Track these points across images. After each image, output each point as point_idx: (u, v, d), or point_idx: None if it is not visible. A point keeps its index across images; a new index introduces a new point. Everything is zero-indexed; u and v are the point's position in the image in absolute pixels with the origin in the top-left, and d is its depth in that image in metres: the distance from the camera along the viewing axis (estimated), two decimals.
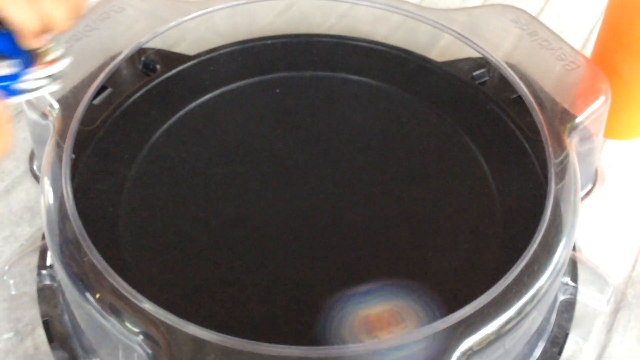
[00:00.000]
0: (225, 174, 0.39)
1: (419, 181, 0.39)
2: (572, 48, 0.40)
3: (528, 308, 0.31)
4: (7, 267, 0.35)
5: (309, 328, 0.31)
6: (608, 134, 0.45)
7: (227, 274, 0.34)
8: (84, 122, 0.37)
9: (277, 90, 0.43)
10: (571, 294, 0.37)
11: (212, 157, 0.39)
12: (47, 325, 0.34)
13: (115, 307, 0.28)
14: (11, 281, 0.35)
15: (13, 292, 0.35)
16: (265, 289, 0.34)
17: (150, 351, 0.27)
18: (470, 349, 0.28)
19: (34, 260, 0.36)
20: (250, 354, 0.26)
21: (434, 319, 0.29)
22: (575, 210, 0.34)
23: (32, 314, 0.35)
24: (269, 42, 0.46)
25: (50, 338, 0.33)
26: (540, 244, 0.32)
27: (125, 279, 0.32)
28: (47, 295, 0.35)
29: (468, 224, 0.37)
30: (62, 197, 0.31)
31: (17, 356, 0.34)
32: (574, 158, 0.36)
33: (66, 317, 0.34)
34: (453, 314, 0.28)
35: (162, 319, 0.27)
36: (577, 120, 0.37)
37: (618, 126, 0.45)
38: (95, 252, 0.29)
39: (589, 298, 0.37)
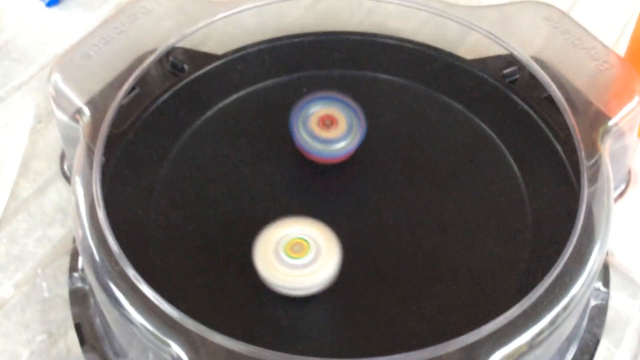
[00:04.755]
0: (254, 175, 0.39)
1: (448, 183, 0.39)
2: (605, 46, 0.39)
3: (560, 319, 0.30)
4: (39, 270, 0.36)
5: (332, 334, 0.31)
6: None
7: (256, 277, 0.34)
8: (113, 124, 0.38)
9: (305, 90, 0.43)
10: (603, 300, 0.36)
11: (240, 158, 0.40)
12: (79, 328, 0.34)
13: (145, 315, 0.28)
14: (44, 284, 0.36)
15: (46, 295, 0.36)
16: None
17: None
18: (506, 357, 0.28)
19: (67, 261, 0.37)
20: None
21: (462, 330, 0.28)
22: (609, 216, 0.34)
23: (65, 316, 0.35)
24: (296, 40, 0.45)
25: (82, 340, 0.34)
26: (572, 252, 0.31)
27: (155, 283, 0.32)
28: (79, 298, 0.35)
29: (498, 228, 0.37)
30: (92, 203, 0.31)
31: (51, 358, 0.34)
32: (607, 161, 0.35)
33: (98, 320, 0.34)
34: (482, 327, 0.28)
35: (192, 328, 0.27)
36: (611, 122, 0.36)
37: None
38: (125, 260, 0.29)
39: (621, 303, 0.36)
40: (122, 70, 0.37)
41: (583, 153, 0.34)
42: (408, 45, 0.45)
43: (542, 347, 0.30)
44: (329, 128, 0.37)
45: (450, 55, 0.45)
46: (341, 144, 0.37)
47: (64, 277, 0.36)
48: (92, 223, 0.31)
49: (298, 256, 0.32)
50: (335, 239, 0.33)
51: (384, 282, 0.34)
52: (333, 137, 0.37)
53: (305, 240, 0.33)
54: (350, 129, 0.38)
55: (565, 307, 0.30)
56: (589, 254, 0.32)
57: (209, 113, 0.41)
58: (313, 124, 0.38)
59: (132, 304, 0.28)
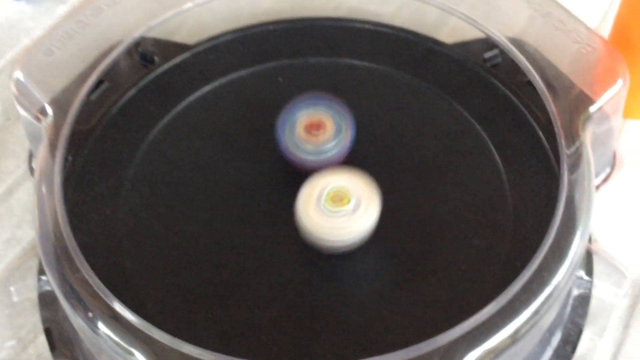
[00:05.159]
0: (228, 170, 0.38)
1: (428, 172, 0.38)
2: (588, 29, 0.38)
3: (542, 311, 0.29)
4: (7, 274, 0.35)
5: (307, 339, 0.30)
6: (627, 115, 0.43)
7: (231, 277, 0.33)
8: (79, 120, 0.36)
9: (280, 79, 0.42)
10: (586, 289, 0.36)
11: (213, 152, 0.38)
12: (48, 333, 0.33)
13: (109, 325, 0.27)
14: (12, 288, 0.35)
15: (15, 299, 0.35)
16: (271, 294, 0.33)
17: None
18: (479, 358, 0.28)
19: (35, 264, 0.36)
20: None
21: (441, 327, 0.28)
22: (590, 203, 0.33)
23: (34, 320, 0.35)
24: (270, 27, 0.44)
25: (52, 346, 0.33)
26: (552, 243, 0.30)
27: (123, 285, 0.31)
28: (48, 302, 0.34)
29: (477, 217, 0.36)
30: (54, 205, 0.30)
31: None
32: (588, 148, 0.34)
33: (68, 324, 0.33)
34: (457, 327, 0.27)
35: (157, 338, 0.26)
36: (593, 107, 0.35)
37: (638, 106, 0.43)
38: (87, 267, 0.28)
39: (604, 292, 0.35)
40: (87, 65, 0.36)
41: (563, 140, 0.33)
42: (386, 30, 0.44)
43: (523, 340, 0.30)
44: (316, 135, 0.36)
45: (430, 39, 0.44)
46: (330, 152, 0.35)
47: (33, 281, 0.35)
48: (54, 227, 0.30)
49: (340, 205, 0.32)
50: (375, 188, 0.33)
51: (361, 279, 0.34)
52: (321, 145, 0.36)
53: (347, 191, 0.32)
54: (338, 133, 0.36)
55: (547, 299, 0.29)
56: (570, 244, 0.31)
57: (181, 106, 0.40)
58: (300, 131, 0.36)
59: (95, 312, 0.27)
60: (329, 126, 0.36)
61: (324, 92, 0.37)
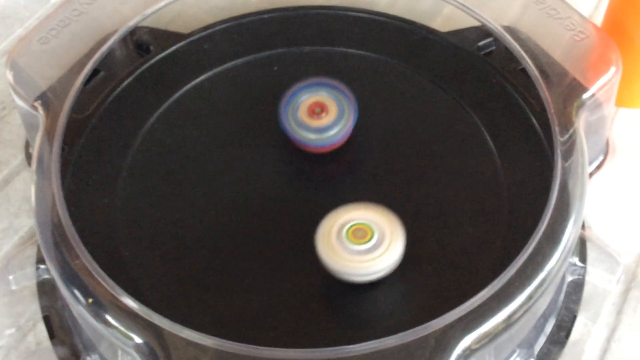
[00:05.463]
0: (224, 158, 0.38)
1: (422, 158, 0.38)
2: (581, 16, 0.38)
3: (536, 296, 0.30)
4: (6, 262, 0.35)
5: (304, 324, 0.31)
6: (620, 103, 0.43)
7: (228, 264, 0.34)
8: (76, 109, 0.37)
9: (275, 68, 0.42)
10: (579, 275, 0.36)
11: (209, 141, 0.39)
12: (47, 320, 0.34)
13: (109, 311, 0.27)
14: (11, 276, 0.35)
15: (13, 287, 0.35)
16: (267, 280, 0.33)
17: (146, 357, 0.26)
18: (474, 342, 0.28)
19: (34, 253, 0.36)
20: (248, 358, 0.26)
21: (436, 313, 0.28)
22: (584, 190, 0.33)
23: (34, 308, 0.35)
24: (265, 16, 0.44)
25: (52, 334, 0.33)
26: (546, 228, 0.31)
27: (122, 272, 0.32)
28: (47, 290, 0.35)
29: (472, 205, 0.36)
30: (52, 193, 0.30)
31: (20, 352, 0.34)
32: (581, 134, 0.34)
33: (67, 312, 0.34)
34: (454, 310, 0.28)
35: (157, 323, 0.27)
36: (586, 94, 0.35)
37: (631, 94, 0.43)
38: (86, 254, 0.28)
39: (598, 278, 0.36)
40: (83, 54, 0.36)
41: (557, 127, 0.34)
42: (381, 18, 0.44)
43: (517, 325, 0.30)
44: (319, 116, 0.36)
45: (425, 28, 0.44)
46: (333, 133, 0.36)
47: (31, 269, 0.35)
48: (52, 215, 0.30)
49: (361, 242, 0.31)
50: (398, 223, 0.32)
51: None
52: (324, 125, 0.36)
53: (368, 226, 0.31)
54: (341, 115, 0.36)
55: (541, 284, 0.30)
56: (564, 229, 0.31)
57: (176, 95, 0.40)
58: (303, 113, 0.36)
59: (95, 298, 0.28)
60: (332, 109, 0.36)
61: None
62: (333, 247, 0.31)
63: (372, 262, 0.31)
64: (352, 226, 0.31)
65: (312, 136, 0.36)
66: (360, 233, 0.31)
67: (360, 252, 0.31)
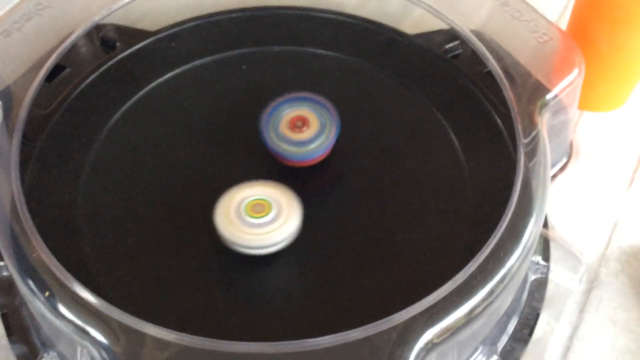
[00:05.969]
0: (190, 156, 0.38)
1: (389, 158, 0.38)
2: (546, 19, 0.39)
3: (497, 292, 0.30)
4: None
5: (268, 319, 0.30)
6: (584, 106, 0.44)
7: (191, 261, 0.33)
8: (39, 105, 0.36)
9: (244, 67, 0.42)
10: (542, 273, 0.36)
11: (175, 139, 0.38)
12: (5, 318, 0.33)
13: (66, 305, 0.27)
14: None
15: None
16: (230, 276, 0.33)
17: (104, 352, 0.26)
18: (436, 335, 0.28)
19: None
20: (210, 352, 0.26)
21: (399, 308, 0.28)
22: (545, 189, 0.33)
23: None
24: (234, 15, 0.44)
25: (9, 331, 0.33)
26: (507, 226, 0.31)
27: (83, 269, 0.31)
28: (5, 287, 0.34)
29: (438, 203, 0.36)
30: (11, 189, 0.30)
31: None
32: (544, 135, 0.35)
33: (24, 310, 0.33)
34: (417, 303, 0.28)
35: (115, 317, 0.26)
36: (549, 95, 0.36)
37: (594, 98, 0.44)
38: (44, 247, 0.28)
39: (561, 277, 0.36)
40: (46, 49, 0.36)
41: (520, 127, 0.34)
42: (349, 20, 0.44)
43: (479, 321, 0.30)
44: (300, 129, 0.36)
45: (392, 30, 0.44)
46: (313, 148, 0.36)
47: None
48: (11, 209, 0.29)
49: (259, 215, 0.32)
50: (296, 199, 0.33)
51: (323, 260, 0.34)
52: (305, 140, 0.36)
53: (267, 201, 0.33)
54: (323, 129, 0.36)
55: (502, 280, 0.30)
56: (525, 227, 0.31)
57: (142, 92, 0.39)
58: (284, 127, 0.36)
59: (53, 292, 0.27)
60: (314, 123, 0.36)
61: (309, 91, 0.37)
62: (231, 220, 0.32)
63: (267, 234, 0.32)
64: (251, 201, 0.33)
65: (292, 149, 0.36)
66: (258, 208, 0.32)
67: (257, 225, 0.32)
